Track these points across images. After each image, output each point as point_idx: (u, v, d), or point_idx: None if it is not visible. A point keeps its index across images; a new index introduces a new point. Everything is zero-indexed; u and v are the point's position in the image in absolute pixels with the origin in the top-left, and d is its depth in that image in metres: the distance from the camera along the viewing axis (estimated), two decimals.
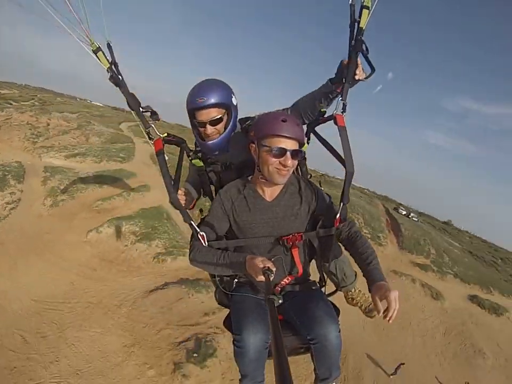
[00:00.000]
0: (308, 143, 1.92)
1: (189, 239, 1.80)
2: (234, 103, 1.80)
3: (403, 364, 7.70)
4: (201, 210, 1.91)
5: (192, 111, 1.74)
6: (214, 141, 1.79)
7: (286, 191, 1.73)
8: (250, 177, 1.76)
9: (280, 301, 1.14)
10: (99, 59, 1.66)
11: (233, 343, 1.57)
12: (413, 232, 16.48)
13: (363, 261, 1.58)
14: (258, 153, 1.59)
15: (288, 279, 1.69)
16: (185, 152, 1.91)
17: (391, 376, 7.56)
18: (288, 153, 1.53)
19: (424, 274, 13.28)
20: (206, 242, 1.65)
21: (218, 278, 1.82)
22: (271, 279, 1.33)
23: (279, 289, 1.74)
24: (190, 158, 1.95)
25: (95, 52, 1.64)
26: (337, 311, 1.73)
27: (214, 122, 1.75)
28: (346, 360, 7.65)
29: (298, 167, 1.99)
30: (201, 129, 1.78)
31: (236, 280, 1.81)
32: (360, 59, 1.63)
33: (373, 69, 1.64)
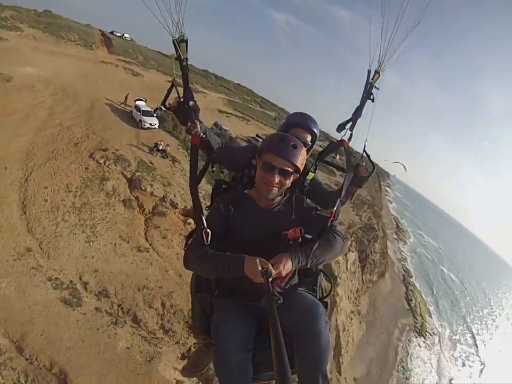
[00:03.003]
0: (314, 172, 2.23)
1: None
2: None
3: None
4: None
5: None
6: None
7: (280, 201, 1.86)
8: (247, 190, 1.91)
9: (280, 301, 1.25)
10: (179, 48, 1.84)
11: (213, 347, 1.57)
12: None
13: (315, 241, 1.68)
14: (257, 166, 1.79)
15: (278, 283, 1.61)
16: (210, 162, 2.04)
17: None
18: (276, 170, 1.67)
19: None
20: (209, 241, 1.66)
21: (200, 281, 1.89)
22: (270, 280, 1.37)
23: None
24: (212, 169, 2.09)
25: (179, 42, 1.84)
26: (324, 304, 1.72)
27: None
28: None
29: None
30: None
31: (219, 287, 1.80)
32: (363, 160, 2.20)
33: (374, 166, 2.24)
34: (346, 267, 24.54)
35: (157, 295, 13.41)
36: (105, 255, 14.13)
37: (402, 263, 44.25)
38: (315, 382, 1.44)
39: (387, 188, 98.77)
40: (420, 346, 30.14)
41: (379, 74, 2.30)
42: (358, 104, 2.34)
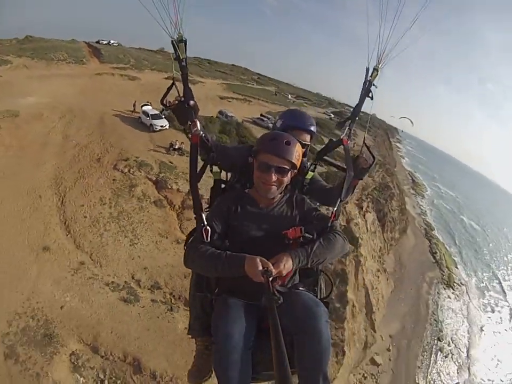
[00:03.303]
0: (313, 171, 2.21)
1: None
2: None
3: None
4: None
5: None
6: None
7: (281, 200, 1.86)
8: (248, 189, 1.92)
9: (280, 301, 1.27)
10: (178, 49, 1.85)
11: (214, 347, 1.53)
12: None
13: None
14: (254, 166, 1.79)
15: (278, 282, 1.58)
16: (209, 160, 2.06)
17: None
18: (272, 169, 1.69)
19: None
20: (209, 238, 1.67)
21: (200, 280, 1.89)
22: (270, 279, 1.38)
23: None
24: (210, 169, 2.09)
25: (177, 42, 1.83)
26: (325, 304, 1.69)
27: None
28: None
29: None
30: None
31: (220, 286, 1.78)
32: (363, 151, 2.17)
33: (374, 158, 2.16)
34: (367, 228, 25.39)
35: None
36: (149, 253, 15.77)
37: (423, 217, 44.46)
38: (315, 382, 1.45)
39: (398, 144, 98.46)
40: (450, 298, 31.04)
41: (378, 71, 2.25)
42: (357, 102, 2.32)
